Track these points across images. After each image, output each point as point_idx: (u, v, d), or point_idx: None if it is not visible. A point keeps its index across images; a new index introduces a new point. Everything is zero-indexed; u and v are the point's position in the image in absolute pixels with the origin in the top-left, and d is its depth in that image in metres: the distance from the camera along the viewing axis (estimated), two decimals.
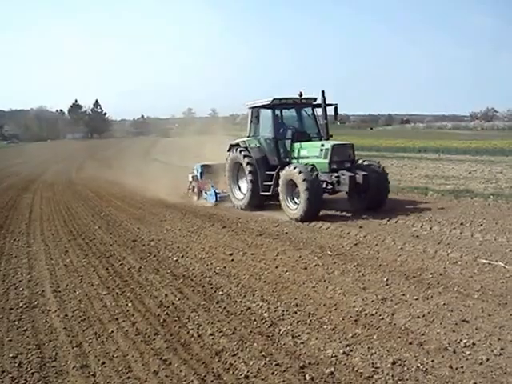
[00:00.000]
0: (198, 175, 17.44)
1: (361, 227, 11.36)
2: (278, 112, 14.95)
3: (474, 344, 5.30)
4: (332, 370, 4.91)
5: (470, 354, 5.09)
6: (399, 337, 5.58)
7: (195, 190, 17.40)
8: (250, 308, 6.63)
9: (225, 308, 6.67)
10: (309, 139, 14.47)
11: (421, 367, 4.88)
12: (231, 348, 5.48)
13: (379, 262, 8.47)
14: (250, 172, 14.46)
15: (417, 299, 6.67)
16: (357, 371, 4.89)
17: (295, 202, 13.00)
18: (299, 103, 15.03)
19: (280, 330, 5.89)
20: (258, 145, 14.84)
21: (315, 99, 14.83)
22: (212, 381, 4.84)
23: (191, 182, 17.61)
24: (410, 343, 5.41)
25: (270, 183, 14.08)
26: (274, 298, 6.93)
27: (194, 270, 8.48)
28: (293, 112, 15.61)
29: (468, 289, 6.98)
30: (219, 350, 5.46)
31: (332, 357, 5.19)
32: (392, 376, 4.76)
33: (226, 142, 16.31)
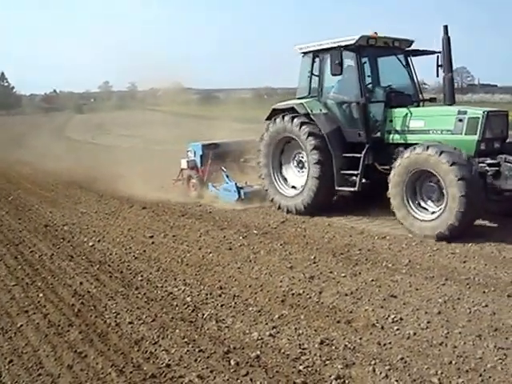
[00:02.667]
0: (198, 160, 12.89)
1: None
2: (365, 59, 10.15)
3: (401, 319, 5.21)
4: (258, 353, 4.66)
5: (397, 330, 4.99)
6: (327, 315, 5.42)
7: (192, 181, 12.79)
8: (171, 293, 6.25)
9: (144, 294, 6.26)
10: (407, 103, 9.70)
11: (349, 345, 4.73)
12: (151, 336, 5.10)
13: (306, 240, 8.32)
14: (316, 153, 9.76)
15: (345, 276, 6.55)
16: (283, 353, 4.67)
17: (426, 209, 8.36)
18: (392, 47, 10.16)
19: (203, 314, 5.56)
20: (324, 111, 10.14)
21: (412, 42, 10.37)
22: (131, 372, 4.46)
23: (183, 169, 13.02)
24: (338, 321, 5.25)
25: (353, 172, 9.60)
26: (197, 282, 6.59)
27: (111, 255, 7.97)
28: (384, 60, 10.77)
29: (396, 263, 6.96)
30: (139, 338, 5.07)
31: (258, 340, 4.93)
32: (320, 356, 4.57)
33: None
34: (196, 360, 4.61)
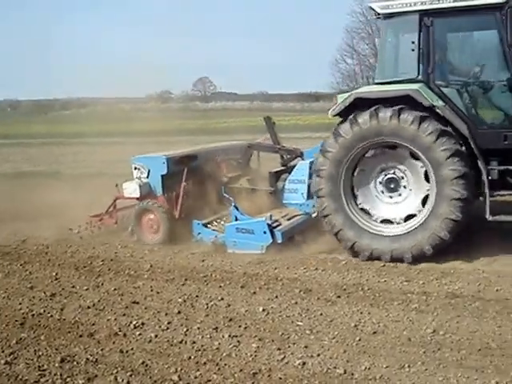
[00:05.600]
0: (155, 182, 8.45)
1: None
2: None
3: (143, 324, 5.32)
4: None
5: (139, 334, 5.08)
6: (69, 332, 5.24)
7: (149, 217, 8.28)
8: None
9: None
10: None
11: (91, 358, 4.65)
12: None
13: (48, 257, 7.90)
14: (456, 162, 6.55)
15: (87, 289, 6.42)
16: (21, 379, 4.37)
17: None
18: None
19: None
20: (440, 102, 6.84)
21: None
22: None
23: (129, 198, 8.63)
24: (81, 336, 5.13)
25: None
26: None
27: None
28: None
29: (138, 270, 7.06)
30: None
31: None
32: (60, 375, 4.39)
33: None
34: None
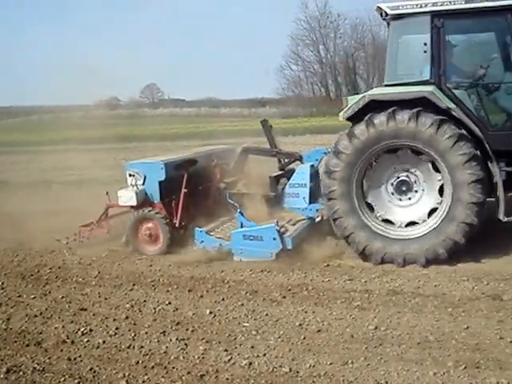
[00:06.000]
0: (152, 189, 8.04)
1: None
2: None
3: (91, 330, 5.35)
4: None
5: (87, 341, 5.12)
6: (15, 341, 5.22)
7: (147, 226, 7.88)
8: None
9: None
10: None
11: (38, 367, 4.66)
12: None
13: None
14: (473, 166, 6.54)
15: (34, 298, 6.38)
16: None
17: None
18: None
19: None
20: (451, 104, 6.80)
21: None
22: None
23: (123, 206, 8.19)
24: (27, 345, 5.12)
25: None
26: None
27: None
28: None
29: (86, 277, 7.05)
30: None
31: None
32: None
33: None
34: None
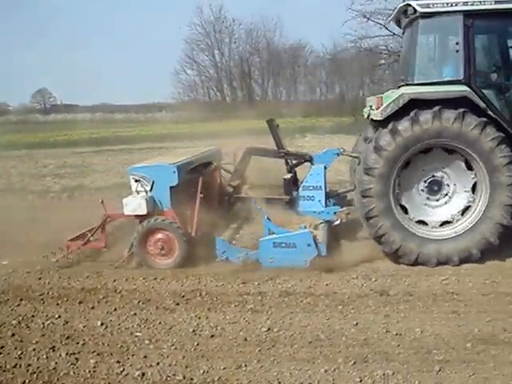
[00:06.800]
0: (162, 195, 7.25)
1: None
2: None
3: None
4: None
5: None
6: None
7: (157, 236, 7.15)
8: None
9: None
10: None
11: None
12: None
13: None
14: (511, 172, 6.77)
15: None
16: None
17: None
18: None
19: None
20: (482, 104, 6.85)
21: None
22: None
23: (129, 215, 7.39)
24: None
25: None
26: None
27: None
28: None
29: None
30: None
31: None
32: None
33: None
34: None
